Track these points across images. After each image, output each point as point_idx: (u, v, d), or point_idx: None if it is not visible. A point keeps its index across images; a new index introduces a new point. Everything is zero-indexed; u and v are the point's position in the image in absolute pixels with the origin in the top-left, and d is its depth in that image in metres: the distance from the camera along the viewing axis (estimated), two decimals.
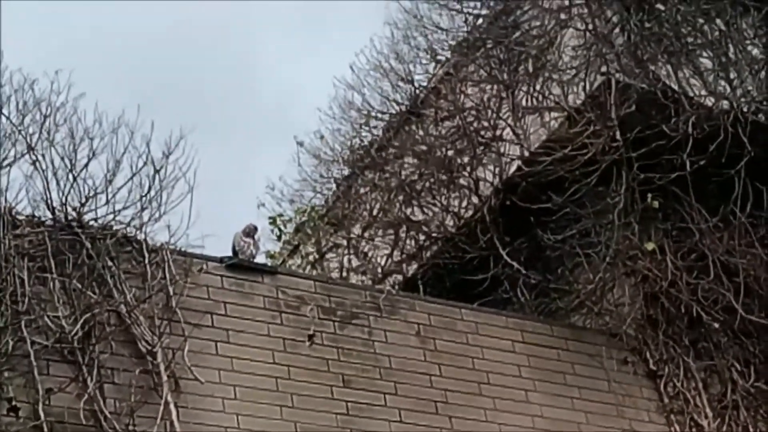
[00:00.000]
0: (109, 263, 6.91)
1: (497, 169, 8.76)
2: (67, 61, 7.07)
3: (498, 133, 8.82)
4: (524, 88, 8.76)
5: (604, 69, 8.37)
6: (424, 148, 9.18)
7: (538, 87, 8.68)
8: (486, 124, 8.89)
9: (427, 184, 9.11)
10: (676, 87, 8.38)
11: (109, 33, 15.17)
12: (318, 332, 7.35)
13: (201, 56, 16.66)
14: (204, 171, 7.19)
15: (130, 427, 6.47)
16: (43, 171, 6.99)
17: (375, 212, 9.40)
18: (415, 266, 9.15)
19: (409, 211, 9.20)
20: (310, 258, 9.80)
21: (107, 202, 7.07)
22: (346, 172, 9.85)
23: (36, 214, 6.98)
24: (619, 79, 8.32)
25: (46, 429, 6.28)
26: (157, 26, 15.94)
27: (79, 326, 6.60)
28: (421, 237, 9.15)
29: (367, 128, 9.72)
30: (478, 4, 9.17)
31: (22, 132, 7.02)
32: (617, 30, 8.48)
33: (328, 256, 9.65)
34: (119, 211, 7.09)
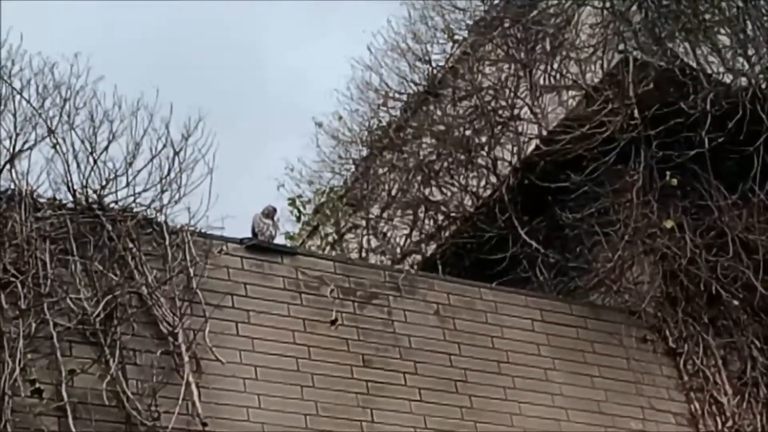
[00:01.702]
0: (130, 245, 6.95)
1: (515, 149, 8.75)
2: (82, 43, 7.13)
3: (516, 112, 8.81)
4: (542, 67, 8.75)
5: (621, 47, 8.35)
6: (442, 128, 9.18)
7: (555, 66, 8.67)
8: (504, 103, 8.89)
9: (446, 164, 9.12)
10: (694, 64, 8.35)
11: (117, 24, 15.21)
12: (338, 313, 7.38)
13: (209, 43, 16.69)
14: (223, 152, 7.23)
15: (152, 408, 6.51)
16: (63, 154, 7.04)
17: (393, 192, 9.41)
18: (433, 246, 9.16)
19: (427, 191, 9.20)
20: (329, 239, 9.82)
21: (127, 184, 7.11)
22: (364, 152, 9.86)
23: (57, 197, 7.01)
24: (637, 57, 8.30)
25: (69, 410, 6.34)
26: (162, 16, 15.97)
27: (101, 308, 6.64)
28: (440, 217, 9.16)
29: (385, 109, 9.72)
30: None
31: (43, 115, 7.05)
32: (635, 7, 8.45)
33: (347, 236, 9.67)
34: (139, 193, 7.13)
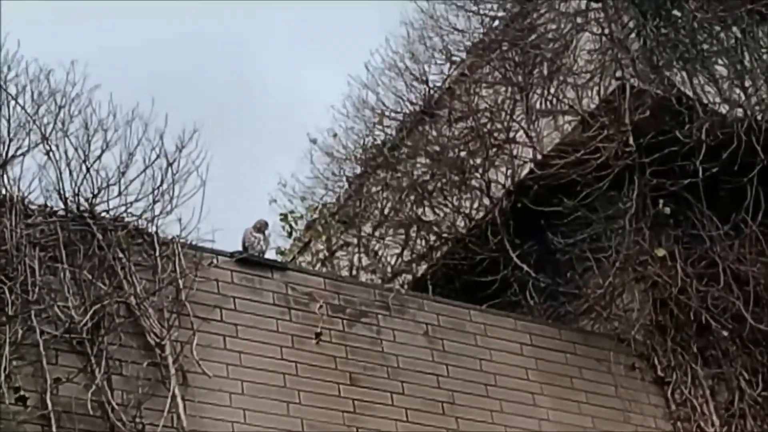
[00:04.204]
0: (120, 255, 6.92)
1: (509, 172, 8.76)
2: (79, 52, 7.12)
3: (511, 135, 8.82)
4: (539, 91, 8.76)
5: (619, 74, 8.36)
6: (436, 148, 9.18)
7: (552, 90, 8.68)
8: (499, 126, 8.89)
9: (439, 185, 9.12)
10: (690, 93, 8.37)
11: (116, 37, 15.22)
12: (326, 330, 7.35)
13: (209, 62, 16.71)
14: (216, 165, 7.22)
15: (137, 419, 6.47)
16: (56, 161, 7.02)
17: (386, 211, 9.40)
18: (424, 266, 9.15)
19: (420, 211, 9.20)
20: (320, 255, 9.81)
21: (119, 193, 7.09)
22: (358, 170, 9.86)
23: (48, 204, 6.99)
24: (634, 85, 8.31)
25: (53, 418, 6.29)
26: (159, 30, 15.99)
27: (88, 317, 6.61)
28: (432, 237, 9.15)
29: (380, 127, 9.72)
30: (495, 6, 9.17)
31: (37, 122, 7.04)
32: (633, 35, 8.47)
33: (339, 254, 9.65)
34: (131, 203, 7.11)
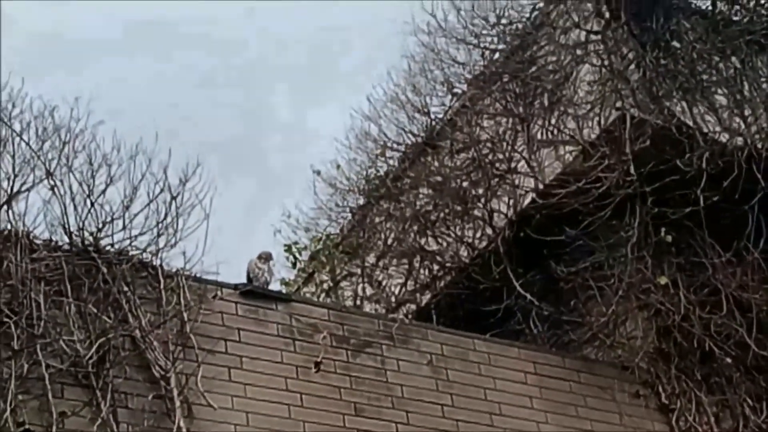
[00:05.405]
0: (125, 288, 6.96)
1: (511, 201, 8.80)
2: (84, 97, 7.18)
3: (513, 165, 8.87)
4: (539, 122, 8.81)
5: (619, 104, 8.42)
6: (439, 179, 9.24)
7: (553, 121, 8.74)
8: (501, 156, 8.94)
9: (442, 215, 9.16)
10: (690, 123, 8.42)
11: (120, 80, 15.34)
12: (330, 360, 7.37)
13: (208, 90, 16.82)
14: (220, 198, 7.26)
15: None
16: (61, 196, 7.06)
17: (389, 242, 9.44)
18: (428, 296, 9.18)
19: (423, 241, 9.24)
20: (325, 286, 9.84)
21: (124, 227, 7.13)
22: (361, 201, 9.91)
23: (53, 238, 7.03)
24: (634, 115, 8.36)
25: None
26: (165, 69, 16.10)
27: (93, 350, 6.64)
28: (435, 267, 9.19)
29: (383, 158, 9.79)
30: (495, 39, 9.24)
31: (41, 158, 7.09)
32: (633, 66, 8.53)
33: (343, 284, 9.69)
34: (135, 236, 7.15)
